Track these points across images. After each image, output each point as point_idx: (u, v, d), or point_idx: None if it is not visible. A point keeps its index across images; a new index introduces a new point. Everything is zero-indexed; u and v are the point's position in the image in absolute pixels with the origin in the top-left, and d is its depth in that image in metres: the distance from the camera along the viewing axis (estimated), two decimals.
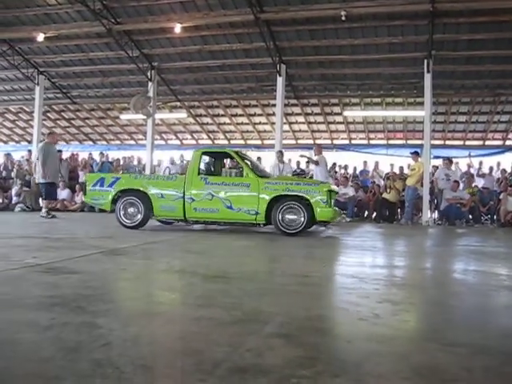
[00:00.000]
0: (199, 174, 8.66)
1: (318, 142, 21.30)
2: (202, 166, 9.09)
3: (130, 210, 8.65)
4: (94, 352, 1.86)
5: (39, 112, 18.37)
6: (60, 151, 17.42)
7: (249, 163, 9.05)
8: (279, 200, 8.07)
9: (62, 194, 15.40)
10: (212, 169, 9.49)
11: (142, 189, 8.66)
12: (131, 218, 8.62)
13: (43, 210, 11.10)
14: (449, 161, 14.29)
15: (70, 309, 2.52)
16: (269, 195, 8.10)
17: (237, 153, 9.07)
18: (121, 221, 8.65)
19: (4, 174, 17.70)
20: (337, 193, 9.60)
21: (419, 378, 1.74)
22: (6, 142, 25.89)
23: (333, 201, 8.40)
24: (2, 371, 1.67)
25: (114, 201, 8.78)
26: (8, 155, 19.46)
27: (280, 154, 13.26)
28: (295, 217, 8.00)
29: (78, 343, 1.96)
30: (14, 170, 17.01)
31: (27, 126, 23.34)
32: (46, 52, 17.50)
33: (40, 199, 11.64)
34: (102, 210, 14.63)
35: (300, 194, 8.03)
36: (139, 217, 8.57)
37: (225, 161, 9.75)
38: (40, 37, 15.52)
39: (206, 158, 9.49)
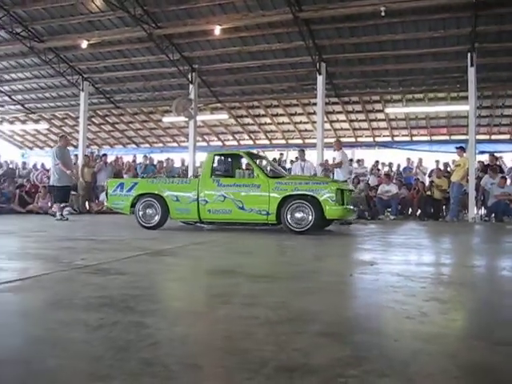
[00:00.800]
0: (211, 176, 8.84)
1: (360, 140, 21.19)
2: (216, 169, 9.22)
3: (149, 211, 8.96)
4: (143, 351, 1.90)
5: (84, 117, 18.79)
6: (105, 155, 17.82)
7: (263, 163, 9.47)
8: (289, 199, 8.14)
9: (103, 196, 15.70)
10: (226, 171, 9.56)
11: (158, 192, 8.95)
12: (150, 219, 8.92)
13: (57, 214, 11.32)
14: (493, 157, 13.92)
15: (119, 309, 2.57)
16: (279, 195, 8.18)
17: (248, 154, 9.27)
18: (140, 222, 8.98)
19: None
20: (352, 191, 9.50)
21: (469, 378, 1.71)
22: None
23: (347, 199, 8.44)
24: (55, 369, 1.72)
25: (133, 204, 9.11)
26: None
27: (302, 152, 13.29)
28: (303, 215, 8.05)
29: (126, 342, 2.00)
30: None
31: (73, 131, 23.90)
32: (89, 58, 17.90)
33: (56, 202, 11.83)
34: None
35: (308, 193, 8.05)
36: (157, 218, 8.88)
37: (242, 161, 9.78)
38: (84, 44, 15.91)
39: (219, 161, 9.57)
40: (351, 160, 17.25)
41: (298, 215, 8.07)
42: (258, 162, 9.55)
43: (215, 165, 9.23)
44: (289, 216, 8.08)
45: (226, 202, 8.49)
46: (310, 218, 7.97)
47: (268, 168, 9.88)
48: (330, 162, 11.76)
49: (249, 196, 8.42)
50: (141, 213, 8.98)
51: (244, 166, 9.79)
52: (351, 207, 8.75)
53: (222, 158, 9.70)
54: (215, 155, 9.35)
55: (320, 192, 7.99)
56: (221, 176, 9.05)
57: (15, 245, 6.30)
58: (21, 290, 3.15)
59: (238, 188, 8.53)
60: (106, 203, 10.25)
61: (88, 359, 1.83)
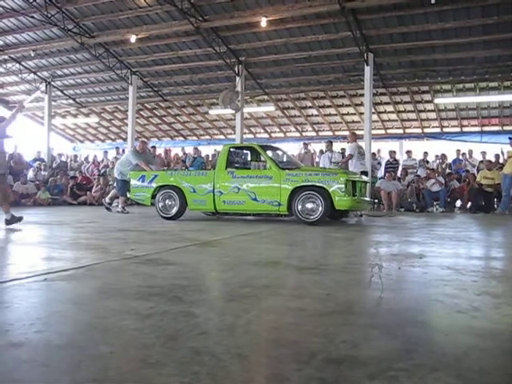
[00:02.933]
0: (227, 168, 9.06)
1: (408, 131, 20.85)
2: (232, 161, 9.43)
3: (168, 202, 9.38)
4: (192, 340, 1.92)
5: (133, 110, 19.12)
6: (154, 147, 18.12)
7: (278, 155, 9.75)
8: (300, 190, 8.27)
9: None
10: (242, 163, 9.80)
11: (176, 184, 9.32)
12: (169, 210, 9.33)
13: (119, 206, 11.59)
14: None
15: (168, 298, 2.61)
16: (290, 186, 8.32)
17: (261, 146, 9.44)
18: (159, 212, 9.41)
19: (103, 171, 18.65)
20: (366, 182, 9.56)
21: None
22: (103, 141, 27.19)
23: (360, 190, 8.68)
24: (107, 354, 1.76)
25: (154, 196, 9.53)
26: (105, 153, 20.49)
27: (329, 143, 13.12)
28: (313, 206, 8.16)
29: (176, 331, 2.04)
30: (110, 166, 17.91)
31: (122, 124, 24.37)
32: (137, 53, 18.18)
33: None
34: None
35: (318, 184, 8.14)
36: (175, 209, 9.26)
37: (258, 154, 9.82)
38: (132, 38, 16.17)
39: (235, 153, 9.79)
40: (374, 154, 16.66)
41: (309, 206, 8.20)
42: (272, 153, 9.69)
43: (231, 157, 9.44)
44: (299, 207, 8.23)
45: (240, 194, 8.76)
46: (320, 208, 8.09)
47: (284, 159, 10.03)
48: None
49: (261, 187, 8.61)
50: (160, 204, 9.40)
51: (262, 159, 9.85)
52: (364, 198, 8.96)
53: (238, 150, 9.99)
54: (230, 148, 9.56)
55: (329, 183, 8.09)
56: (237, 168, 9.28)
57: (68, 235, 6.48)
58: (73, 279, 3.24)
59: (251, 179, 8.76)
60: (128, 195, 10.59)
61: (139, 346, 1.87)
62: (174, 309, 2.40)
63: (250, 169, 9.33)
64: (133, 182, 9.97)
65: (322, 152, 16.58)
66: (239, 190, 8.75)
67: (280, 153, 10.32)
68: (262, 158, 9.38)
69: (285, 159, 10.03)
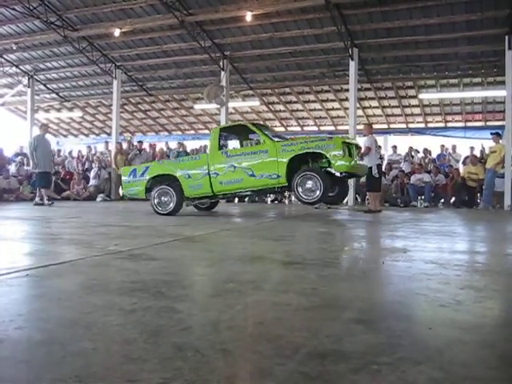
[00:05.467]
0: (220, 149, 9.00)
1: (393, 126, 20.95)
2: (223, 142, 9.38)
3: (164, 198, 9.19)
4: (175, 335, 1.91)
5: (117, 105, 19.00)
6: (140, 142, 18.04)
7: (269, 131, 9.59)
8: (298, 163, 8.23)
9: None
10: (233, 143, 9.83)
11: (170, 173, 9.20)
12: (165, 206, 9.14)
13: (37, 199, 11.73)
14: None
15: (151, 294, 2.60)
16: (287, 157, 8.24)
17: (253, 124, 9.35)
18: (155, 209, 9.20)
19: (87, 165, 18.55)
20: (358, 146, 9.38)
21: (507, 368, 1.68)
22: (87, 135, 26.99)
23: (354, 153, 8.49)
24: (90, 350, 1.75)
25: (148, 190, 9.38)
26: (89, 147, 20.38)
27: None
28: (313, 183, 8.04)
29: (159, 327, 2.02)
30: (95, 161, 17.83)
31: (106, 118, 24.20)
32: (122, 47, 18.05)
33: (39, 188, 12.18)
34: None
35: (316, 151, 8.08)
36: (172, 205, 9.08)
37: (249, 133, 9.80)
38: (116, 32, 16.05)
39: (226, 134, 9.70)
40: (380, 147, 16.92)
41: (308, 185, 8.09)
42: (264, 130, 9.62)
43: (223, 138, 9.37)
44: (300, 189, 8.15)
45: (236, 172, 8.69)
46: (318, 191, 7.98)
47: (275, 134, 9.92)
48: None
49: (258, 162, 8.53)
50: (156, 200, 9.21)
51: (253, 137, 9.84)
52: (358, 161, 8.84)
53: (229, 130, 9.85)
54: (221, 129, 9.51)
55: (327, 148, 8.02)
56: (229, 148, 9.23)
57: (51, 230, 6.42)
58: (56, 275, 3.21)
59: (247, 156, 8.68)
60: (121, 191, 10.52)
61: (122, 342, 1.85)
62: (157, 304, 2.38)
63: (243, 146, 9.20)
64: (124, 178, 9.79)
65: None
66: (235, 169, 8.66)
67: (271, 130, 10.25)
68: (254, 137, 9.29)
69: (276, 135, 9.90)
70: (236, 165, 8.67)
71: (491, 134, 13.12)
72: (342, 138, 8.29)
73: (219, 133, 9.22)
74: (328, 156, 7.99)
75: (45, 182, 11.89)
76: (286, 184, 8.36)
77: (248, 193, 9.31)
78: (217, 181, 8.85)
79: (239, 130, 9.90)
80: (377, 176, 10.71)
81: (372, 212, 10.51)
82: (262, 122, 11.46)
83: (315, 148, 8.09)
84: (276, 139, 8.84)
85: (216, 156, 8.91)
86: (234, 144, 9.71)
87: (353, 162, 8.17)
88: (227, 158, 8.81)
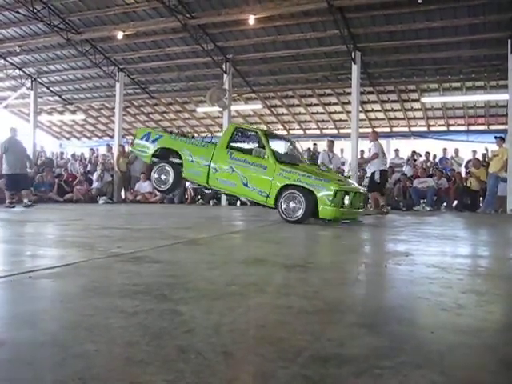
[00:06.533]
0: (228, 147, 8.98)
1: (395, 129, 20.95)
2: (234, 141, 9.28)
3: (163, 176, 9.48)
4: (177, 338, 1.91)
5: (120, 108, 19.02)
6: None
7: (283, 145, 9.63)
8: (288, 188, 8.14)
9: (143, 186, 16.00)
10: (243, 145, 9.53)
11: (177, 149, 9.33)
12: (165, 183, 9.48)
13: (7, 201, 11.82)
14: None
15: (153, 296, 2.60)
16: (281, 182, 8.20)
17: (265, 134, 9.16)
18: (156, 186, 9.69)
19: (89, 167, 18.58)
20: (362, 194, 9.03)
21: (508, 372, 1.68)
22: (89, 138, 27.03)
23: (354, 200, 8.29)
24: (92, 353, 1.75)
25: (155, 156, 9.64)
26: (92, 150, 20.42)
27: (331, 143, 13.25)
28: (296, 205, 8.03)
29: (161, 329, 2.02)
30: (99, 163, 17.86)
31: (109, 121, 24.23)
32: (124, 49, 18.09)
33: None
34: (180, 202, 15.08)
35: (307, 187, 7.95)
36: (170, 181, 9.38)
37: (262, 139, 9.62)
38: (119, 35, 16.08)
39: (239, 134, 9.54)
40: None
41: (292, 205, 8.07)
42: (278, 143, 9.61)
43: (236, 137, 9.29)
44: (284, 205, 8.13)
45: (233, 175, 8.71)
46: (301, 211, 7.95)
47: (288, 151, 9.79)
48: (366, 152, 11.62)
49: (254, 175, 8.53)
50: (156, 175, 9.55)
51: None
52: (354, 210, 8.48)
53: (244, 131, 9.63)
54: (236, 128, 9.49)
55: (319, 188, 7.88)
56: (236, 149, 9.10)
57: (53, 232, 6.43)
58: (58, 277, 3.21)
59: (247, 165, 8.65)
60: (129, 148, 10.60)
61: (124, 345, 1.85)
62: (159, 307, 2.38)
63: (250, 153, 8.94)
64: (137, 139, 10.05)
65: (309, 150, 16.70)
66: (233, 172, 8.69)
67: (287, 144, 10.13)
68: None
69: (288, 151, 9.81)
70: (235, 169, 8.69)
71: (495, 137, 13.11)
72: (338, 185, 7.98)
73: (233, 131, 9.23)
74: (317, 196, 7.85)
75: (12, 184, 11.91)
76: (273, 206, 8.37)
77: (237, 196, 9.49)
78: (214, 176, 8.92)
79: (252, 135, 9.75)
80: (378, 181, 10.82)
81: (383, 213, 10.71)
82: (283, 135, 11.44)
83: (308, 185, 7.95)
84: (280, 158, 8.70)
85: (221, 153, 8.91)
86: (245, 146, 9.57)
87: (339, 212, 7.95)
88: (230, 158, 8.80)
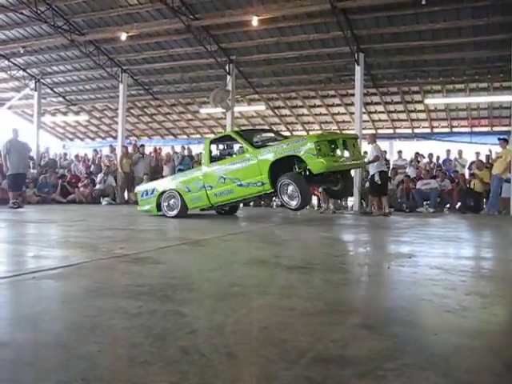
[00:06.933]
0: (211, 161, 9.08)
1: (398, 131, 20.89)
2: (215, 153, 9.41)
3: (171, 202, 9.58)
4: (180, 339, 1.92)
5: (123, 109, 19.02)
6: (142, 146, 18.07)
7: (261, 137, 9.54)
8: (280, 169, 8.01)
9: None
10: (225, 154, 9.68)
11: (173, 188, 9.48)
12: (172, 209, 9.53)
13: (10, 201, 11.77)
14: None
15: (157, 297, 2.60)
16: (267, 164, 8.13)
17: (237, 132, 9.30)
18: (166, 213, 9.60)
19: (92, 168, 18.60)
20: (353, 138, 8.82)
21: None
22: (93, 139, 27.05)
23: (332, 149, 7.89)
24: (95, 354, 1.75)
25: (158, 206, 9.75)
26: (95, 151, 20.44)
27: None
28: (291, 190, 7.91)
29: (164, 330, 2.03)
30: (102, 164, 17.90)
31: (112, 122, 24.23)
32: (128, 51, 18.09)
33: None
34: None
35: (291, 154, 7.82)
36: (179, 208, 9.40)
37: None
38: (123, 36, 16.07)
39: (217, 145, 9.70)
40: (385, 152, 17.17)
41: (290, 191, 7.96)
42: (253, 136, 9.51)
43: (214, 150, 9.42)
44: (285, 196, 8.04)
45: (226, 183, 8.75)
46: (297, 198, 7.82)
47: (267, 138, 9.68)
48: (369, 154, 11.59)
49: (242, 171, 8.52)
50: (165, 204, 9.61)
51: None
52: (346, 155, 8.13)
53: (218, 141, 9.80)
54: (210, 141, 9.53)
55: (300, 149, 7.72)
56: (218, 159, 9.20)
57: (57, 233, 6.44)
58: (62, 278, 3.22)
59: (233, 166, 8.70)
60: (138, 208, 10.66)
61: (127, 345, 1.86)
62: (162, 308, 2.39)
63: (231, 155, 9.08)
64: (139, 197, 10.44)
65: None
66: (225, 180, 8.73)
67: (266, 134, 10.10)
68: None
69: (265, 138, 9.68)
70: (225, 176, 8.73)
71: (499, 139, 13.05)
72: (320, 136, 7.95)
73: (209, 145, 9.32)
74: (303, 158, 7.70)
75: (14, 184, 11.96)
76: (272, 190, 8.27)
77: (242, 200, 9.40)
78: (212, 193, 8.97)
79: (228, 140, 9.86)
80: (379, 183, 10.85)
81: (385, 215, 10.74)
82: (263, 127, 11.46)
83: (290, 151, 7.85)
84: (259, 145, 8.71)
85: (208, 169, 9.04)
86: (224, 154, 9.65)
87: (331, 161, 7.67)
88: (216, 170, 8.90)
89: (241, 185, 8.56)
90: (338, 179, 8.88)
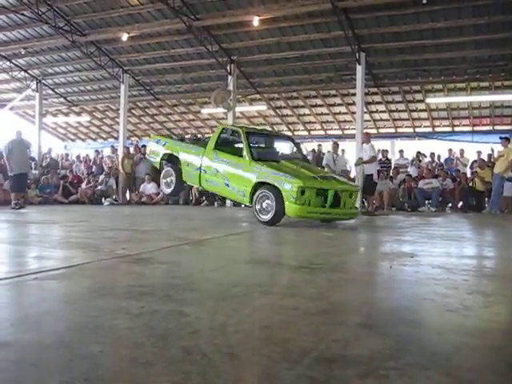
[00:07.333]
0: (215, 148, 8.95)
1: (399, 130, 20.88)
2: (222, 141, 9.18)
3: (168, 179, 9.83)
4: (183, 339, 1.92)
5: (124, 109, 19.03)
6: (144, 146, 18.08)
7: (269, 144, 9.52)
8: (261, 186, 7.81)
9: (148, 187, 16.02)
10: (231, 145, 9.40)
11: (176, 154, 9.57)
12: (169, 186, 9.84)
13: (12, 202, 11.80)
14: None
15: (159, 297, 2.60)
16: (253, 180, 7.94)
17: (246, 131, 8.92)
18: (163, 189, 10.18)
19: (94, 169, 18.61)
20: (351, 191, 8.11)
21: None
22: (94, 140, 27.07)
23: (319, 196, 7.51)
24: (97, 354, 1.75)
25: (162, 160, 10.01)
26: (97, 152, 20.45)
27: (336, 145, 13.32)
28: (270, 205, 7.65)
29: (166, 330, 2.03)
30: (104, 165, 17.92)
31: (113, 123, 24.24)
32: (129, 51, 18.10)
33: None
34: (185, 203, 15.07)
35: (275, 184, 7.56)
36: (174, 183, 9.69)
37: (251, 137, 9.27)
38: (124, 37, 16.08)
39: (226, 134, 9.43)
40: (387, 151, 17.28)
41: (265, 204, 7.76)
42: (262, 141, 9.51)
43: (223, 137, 9.21)
44: (258, 206, 7.85)
45: (217, 176, 8.70)
46: (270, 213, 7.59)
47: (274, 149, 9.61)
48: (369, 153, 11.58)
49: (233, 174, 8.44)
50: (164, 180, 9.96)
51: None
52: (321, 210, 7.58)
53: (229, 131, 9.47)
54: (223, 128, 9.46)
55: (284, 186, 7.42)
56: (222, 150, 8.96)
57: (59, 234, 6.45)
58: (64, 278, 3.22)
59: (228, 164, 8.58)
60: (147, 156, 10.87)
61: (129, 346, 1.86)
62: (164, 308, 2.39)
63: (234, 153, 8.73)
64: (150, 144, 10.68)
65: (313, 151, 16.69)
66: (217, 173, 8.68)
67: (277, 143, 10.02)
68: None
69: (273, 149, 9.61)
70: (219, 169, 8.68)
71: (500, 138, 13.04)
72: (302, 182, 7.34)
73: (220, 132, 9.22)
74: (283, 193, 7.41)
75: (17, 185, 11.97)
76: (251, 205, 8.07)
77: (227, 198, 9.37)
78: (204, 177, 8.98)
79: (237, 134, 9.53)
80: (376, 181, 11.04)
81: (373, 214, 10.84)
82: (275, 132, 11.41)
83: (275, 181, 7.58)
84: (259, 156, 8.39)
85: (209, 154, 8.93)
86: (232, 146, 9.46)
87: (305, 211, 7.38)
88: (215, 159, 8.80)
89: (227, 185, 8.49)
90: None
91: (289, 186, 7.36)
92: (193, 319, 2.21)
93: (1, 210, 11.01)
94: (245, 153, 8.35)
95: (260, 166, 8.00)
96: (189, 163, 9.28)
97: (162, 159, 9.90)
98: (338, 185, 7.89)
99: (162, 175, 10.00)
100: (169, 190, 9.92)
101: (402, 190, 14.26)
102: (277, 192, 7.50)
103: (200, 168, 9.00)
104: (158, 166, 10.21)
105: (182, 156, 9.41)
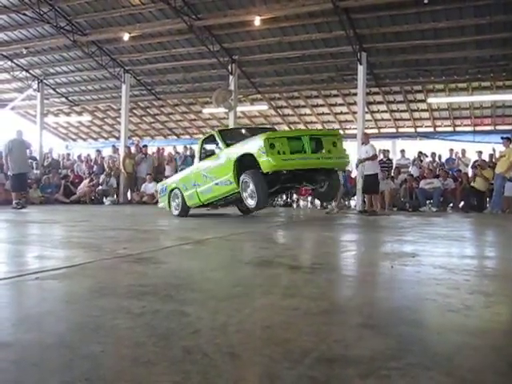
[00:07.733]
0: (200, 160, 9.13)
1: (401, 130, 20.88)
2: (206, 152, 9.17)
3: (176, 201, 9.90)
4: (184, 339, 1.92)
5: (126, 109, 19.04)
6: (145, 146, 18.11)
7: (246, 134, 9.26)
8: (248, 167, 7.60)
9: (149, 187, 16.04)
10: (210, 152, 9.31)
11: (176, 186, 9.82)
12: (177, 208, 9.85)
13: (13, 202, 11.85)
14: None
15: (160, 297, 2.60)
16: (231, 162, 7.91)
17: (219, 132, 9.13)
18: (173, 212, 10.00)
19: (95, 168, 18.63)
20: (326, 135, 8.09)
21: None
22: (96, 139, 27.10)
23: (296, 147, 7.37)
24: (98, 354, 1.75)
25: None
26: (98, 151, 20.47)
27: None
28: (250, 189, 7.56)
29: (168, 330, 2.03)
30: (105, 165, 17.94)
31: (115, 122, 24.27)
32: (131, 51, 18.13)
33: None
34: None
35: (247, 152, 7.48)
36: (181, 204, 9.68)
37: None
38: (125, 37, 16.12)
39: (207, 144, 9.42)
40: (388, 151, 17.29)
41: (249, 190, 7.63)
42: (236, 134, 9.40)
43: (205, 149, 9.23)
44: (245, 194, 7.75)
45: (207, 181, 8.74)
46: (255, 197, 7.47)
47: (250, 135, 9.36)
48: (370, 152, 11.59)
49: (216, 169, 8.47)
50: (173, 203, 10.01)
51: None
52: (299, 155, 7.40)
53: (209, 139, 9.45)
54: (203, 139, 9.52)
55: (253, 147, 7.36)
56: (206, 157, 9.06)
57: (60, 234, 6.45)
58: (65, 278, 3.22)
59: (210, 164, 8.67)
60: (159, 205, 11.02)
61: (131, 345, 1.86)
62: (166, 308, 2.39)
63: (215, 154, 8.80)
64: (159, 194, 10.93)
65: None
66: (206, 178, 8.71)
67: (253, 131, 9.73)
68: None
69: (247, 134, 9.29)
70: (206, 174, 8.72)
71: (502, 138, 13.03)
72: (267, 134, 7.36)
73: (201, 144, 9.31)
74: (255, 156, 7.25)
75: (17, 184, 11.99)
76: (239, 189, 7.94)
77: (226, 199, 8.98)
78: (199, 192, 9.00)
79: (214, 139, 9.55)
80: (378, 181, 11.18)
81: (376, 214, 10.92)
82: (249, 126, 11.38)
83: (246, 149, 7.54)
84: (233, 142, 8.41)
85: (197, 166, 9.14)
86: (212, 153, 9.47)
87: (280, 159, 7.13)
88: (201, 167, 8.93)
89: (217, 183, 8.48)
90: (323, 180, 8.23)
91: (258, 144, 7.26)
92: (194, 319, 2.21)
93: (2, 210, 11.03)
94: (220, 145, 8.52)
95: (233, 146, 8.13)
96: (186, 185, 9.40)
97: (169, 198, 10.09)
98: (311, 132, 8.36)
99: (171, 196, 10.08)
100: (176, 213, 9.88)
101: (404, 190, 14.25)
102: (253, 173, 7.45)
103: (195, 185, 9.08)
104: (169, 208, 10.22)
105: (181, 184, 9.60)
